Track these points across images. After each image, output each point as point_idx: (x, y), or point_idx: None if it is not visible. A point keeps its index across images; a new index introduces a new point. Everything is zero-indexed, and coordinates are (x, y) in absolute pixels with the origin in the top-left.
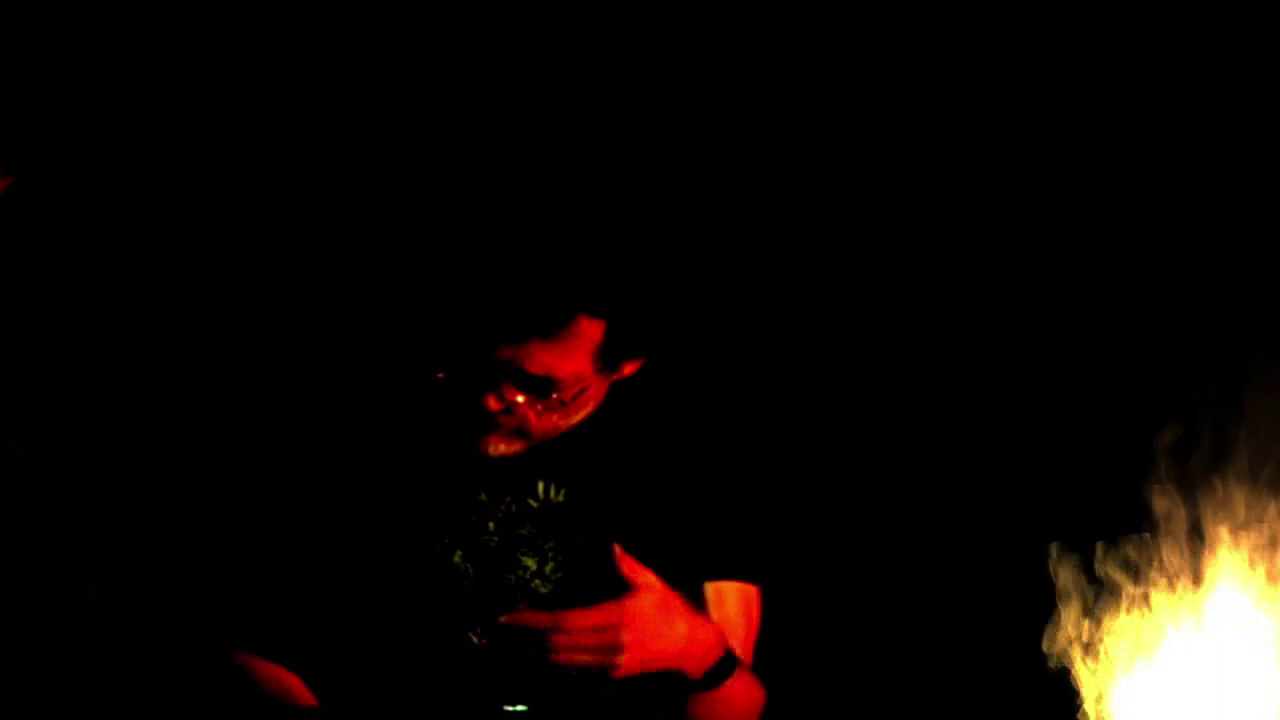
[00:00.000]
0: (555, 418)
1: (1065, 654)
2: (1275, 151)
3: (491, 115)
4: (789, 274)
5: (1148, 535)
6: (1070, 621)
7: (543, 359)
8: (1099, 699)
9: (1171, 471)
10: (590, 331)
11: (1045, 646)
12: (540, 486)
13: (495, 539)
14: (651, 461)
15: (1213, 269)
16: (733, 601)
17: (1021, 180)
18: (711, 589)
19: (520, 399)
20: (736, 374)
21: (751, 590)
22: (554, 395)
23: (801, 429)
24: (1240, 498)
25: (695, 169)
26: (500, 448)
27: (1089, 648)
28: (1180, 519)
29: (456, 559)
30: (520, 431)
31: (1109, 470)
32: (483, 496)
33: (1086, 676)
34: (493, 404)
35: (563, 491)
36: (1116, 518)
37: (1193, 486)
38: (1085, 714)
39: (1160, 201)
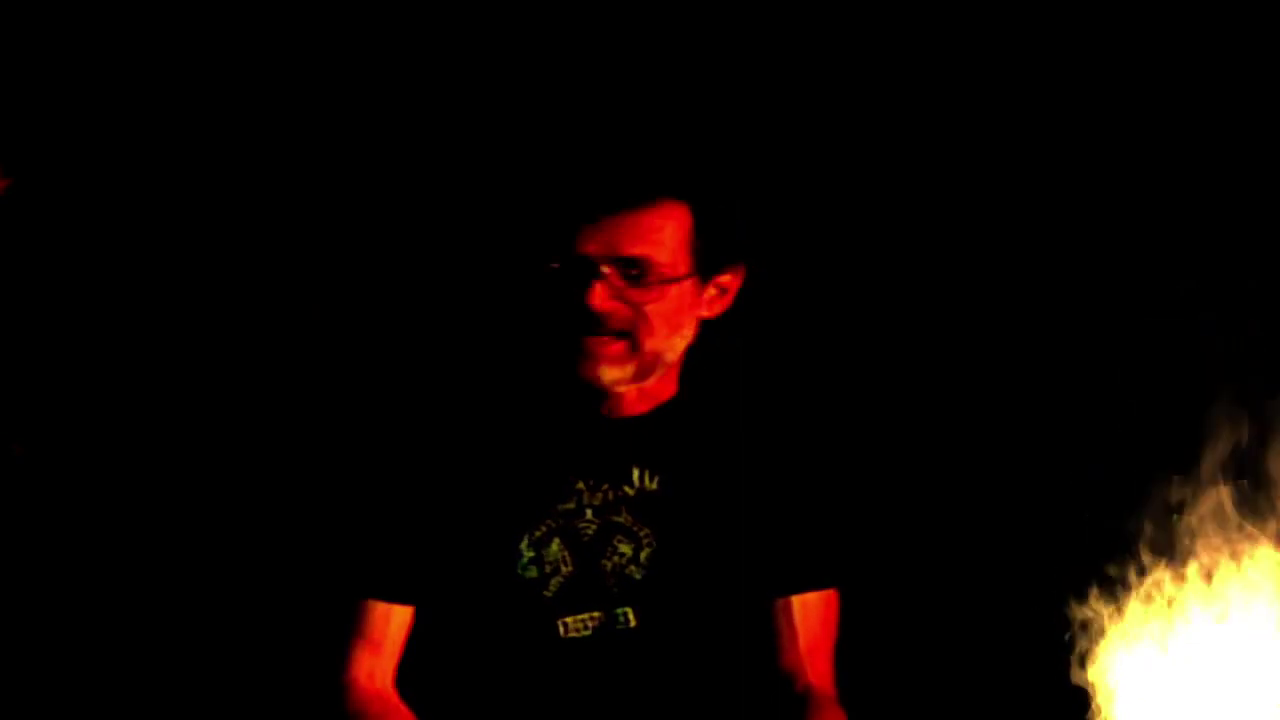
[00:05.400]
0: (659, 328)
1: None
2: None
3: None
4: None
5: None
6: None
7: (633, 231)
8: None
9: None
10: (678, 215)
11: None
12: (635, 473)
13: (593, 526)
14: (740, 451)
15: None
16: (815, 614)
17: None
18: (797, 602)
19: (622, 286)
20: (822, 365)
21: (832, 595)
22: (654, 282)
23: (874, 426)
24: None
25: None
26: (613, 373)
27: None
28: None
29: (555, 547)
30: (630, 348)
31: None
32: (580, 484)
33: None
34: (597, 299)
35: (656, 478)
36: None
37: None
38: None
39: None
